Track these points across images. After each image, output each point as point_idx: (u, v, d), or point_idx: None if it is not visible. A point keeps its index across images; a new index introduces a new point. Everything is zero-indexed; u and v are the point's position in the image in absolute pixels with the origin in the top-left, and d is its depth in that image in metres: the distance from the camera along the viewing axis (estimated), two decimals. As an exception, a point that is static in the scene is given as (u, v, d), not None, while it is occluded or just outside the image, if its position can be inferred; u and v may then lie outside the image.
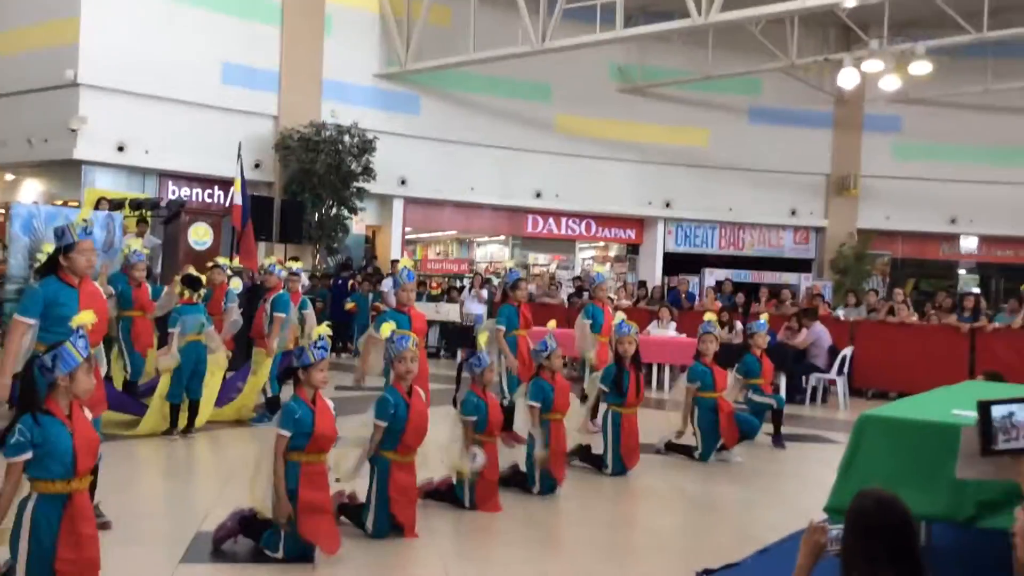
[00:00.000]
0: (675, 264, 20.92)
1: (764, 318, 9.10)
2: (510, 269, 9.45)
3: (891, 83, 17.55)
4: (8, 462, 3.64)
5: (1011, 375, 8.50)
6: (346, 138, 16.62)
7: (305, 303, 9.68)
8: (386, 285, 14.98)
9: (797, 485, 7.38)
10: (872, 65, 16.78)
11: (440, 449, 5.84)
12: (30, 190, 16.76)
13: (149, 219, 12.33)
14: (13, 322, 5.08)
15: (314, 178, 16.35)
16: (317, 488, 4.83)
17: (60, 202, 14.55)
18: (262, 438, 8.08)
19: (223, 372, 8.54)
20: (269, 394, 8.80)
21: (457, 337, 10.12)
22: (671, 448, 8.10)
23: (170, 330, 7.98)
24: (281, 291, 8.91)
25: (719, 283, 17.09)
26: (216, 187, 16.69)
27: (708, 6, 14.22)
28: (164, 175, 16.24)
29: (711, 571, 4.78)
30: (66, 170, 15.42)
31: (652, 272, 20.88)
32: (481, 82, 18.64)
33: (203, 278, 8.36)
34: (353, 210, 17.17)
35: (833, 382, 12.23)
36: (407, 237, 19.95)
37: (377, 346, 6.65)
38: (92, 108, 15.01)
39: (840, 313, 14.28)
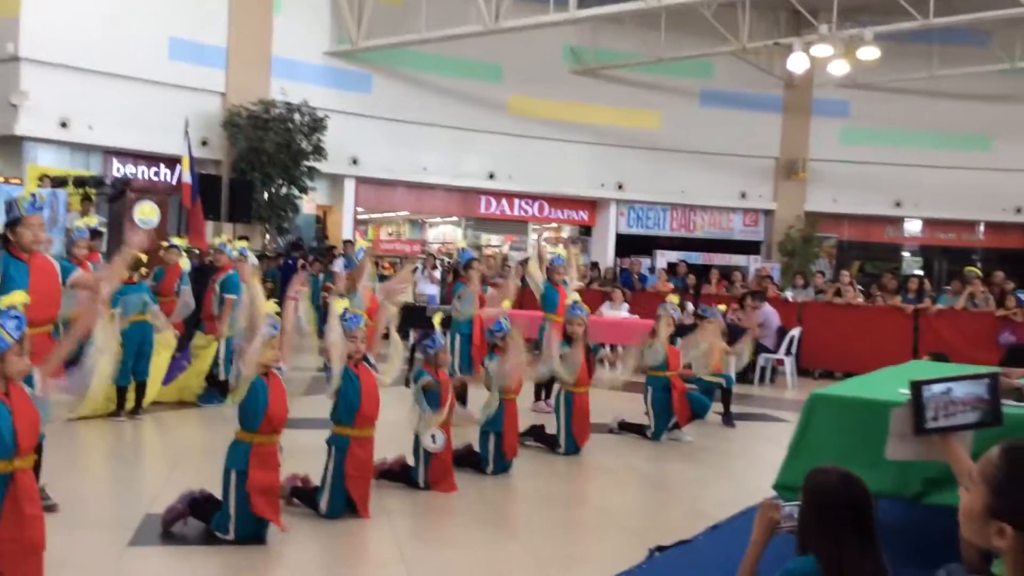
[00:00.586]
0: (627, 245, 21.04)
1: (722, 308, 9.03)
2: (462, 249, 9.42)
3: (839, 68, 17.74)
4: None
5: (954, 355, 8.71)
6: (296, 116, 16.40)
7: None
8: (338, 265, 14.85)
9: (746, 463, 7.49)
10: (821, 50, 16.94)
11: (392, 427, 5.81)
12: (-31, 167, 16.30)
13: (93, 197, 12.07)
14: None
15: (263, 156, 16.11)
16: (268, 468, 4.78)
17: (1, 179, 14.17)
18: (210, 420, 8.03)
19: (171, 352, 8.40)
20: (222, 377, 8.64)
21: (409, 318, 10.05)
22: (624, 427, 8.19)
23: (112, 310, 7.80)
24: (231, 271, 8.78)
25: (672, 265, 17.22)
26: (163, 165, 16.34)
27: (661, -12, 14.24)
28: (109, 152, 15.87)
29: (664, 548, 4.84)
30: (7, 146, 14.99)
31: (604, 253, 20.99)
32: (433, 62, 18.50)
33: (143, 257, 8.19)
34: (303, 189, 16.97)
35: (781, 362, 12.41)
36: (358, 218, 19.78)
37: None
38: (34, 83, 14.59)
39: (788, 295, 14.47)
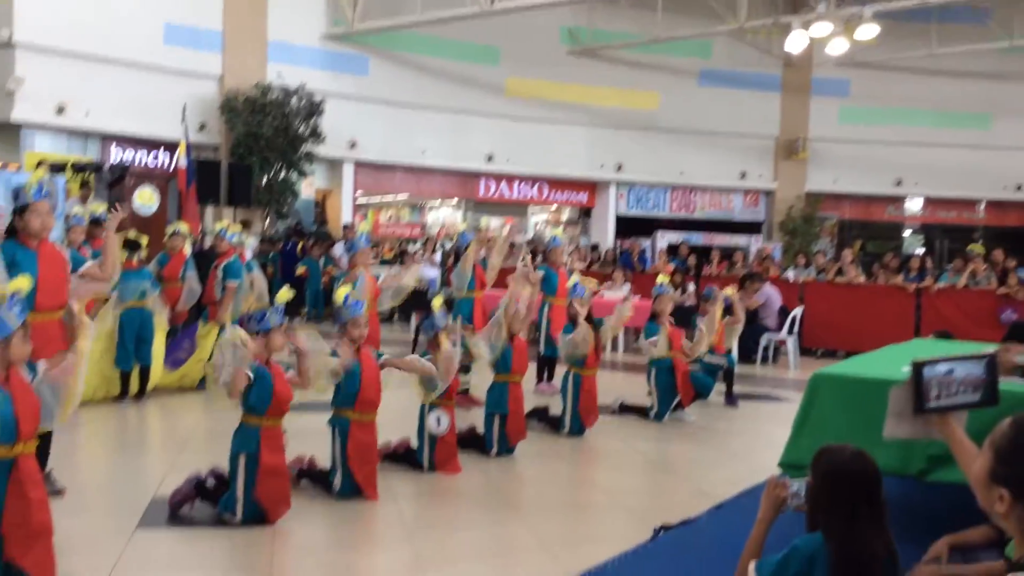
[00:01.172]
0: (627, 227, 21.02)
1: (729, 291, 8.92)
2: (462, 232, 9.42)
3: (838, 47, 17.69)
4: None
5: (957, 333, 8.72)
6: (293, 100, 16.34)
7: (252, 265, 9.49)
8: (338, 249, 14.84)
9: (749, 442, 7.51)
10: (820, 29, 16.88)
11: (396, 412, 5.83)
12: (-34, 154, 16.26)
13: (92, 183, 12.04)
14: None
15: (261, 141, 16.09)
16: (276, 451, 4.81)
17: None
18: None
19: (164, 334, 8.37)
20: None
21: (411, 301, 10.06)
22: (626, 409, 8.20)
23: (111, 293, 7.79)
24: (232, 257, 8.76)
25: (673, 246, 17.20)
26: (161, 150, 16.31)
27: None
28: (107, 138, 15.84)
29: (668, 527, 4.86)
30: (4, 133, 14.95)
31: (604, 235, 20.98)
32: (431, 44, 18.43)
33: (143, 241, 8.18)
34: (302, 173, 16.94)
35: (783, 342, 12.42)
36: (358, 201, 19.75)
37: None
38: (30, 69, 14.56)
39: (790, 274, 14.48)
